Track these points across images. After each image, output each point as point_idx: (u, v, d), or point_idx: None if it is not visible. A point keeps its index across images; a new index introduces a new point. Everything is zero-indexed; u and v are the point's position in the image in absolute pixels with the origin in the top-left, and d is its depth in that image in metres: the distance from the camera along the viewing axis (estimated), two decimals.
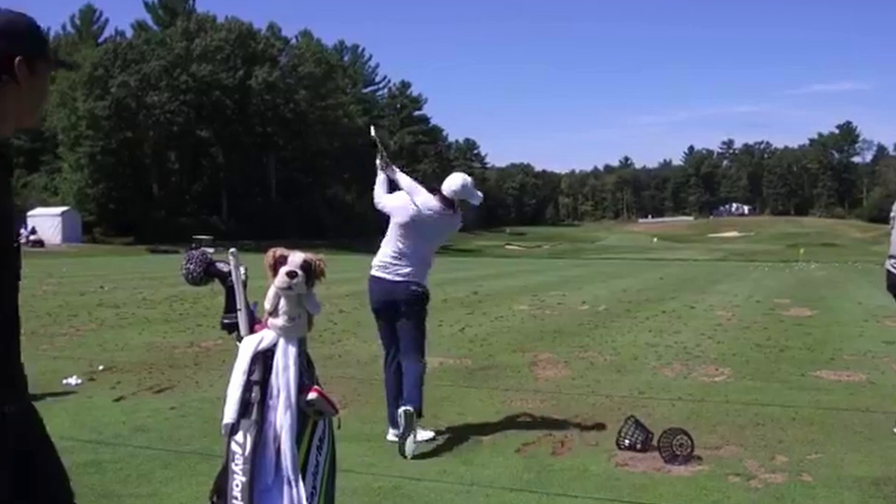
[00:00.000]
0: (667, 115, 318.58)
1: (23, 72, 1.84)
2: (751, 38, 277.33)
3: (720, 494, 4.29)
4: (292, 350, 3.06)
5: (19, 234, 2.06)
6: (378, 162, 5.50)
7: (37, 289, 17.44)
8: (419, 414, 5.13)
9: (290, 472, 2.98)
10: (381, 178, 5.51)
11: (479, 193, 5.51)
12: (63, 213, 56.61)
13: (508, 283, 22.06)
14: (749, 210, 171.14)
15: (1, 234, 1.78)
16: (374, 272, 5.41)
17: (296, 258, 3.08)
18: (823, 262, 40.33)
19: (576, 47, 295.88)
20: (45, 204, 60.85)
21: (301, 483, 2.99)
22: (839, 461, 4.88)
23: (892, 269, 5.67)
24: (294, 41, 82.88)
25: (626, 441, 5.05)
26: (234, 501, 2.95)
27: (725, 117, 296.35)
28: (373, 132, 5.95)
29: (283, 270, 3.04)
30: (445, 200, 5.35)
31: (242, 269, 3.21)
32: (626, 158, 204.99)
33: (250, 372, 3.04)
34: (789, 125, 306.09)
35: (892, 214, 5.83)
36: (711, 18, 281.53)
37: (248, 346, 3.08)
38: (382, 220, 5.57)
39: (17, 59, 1.82)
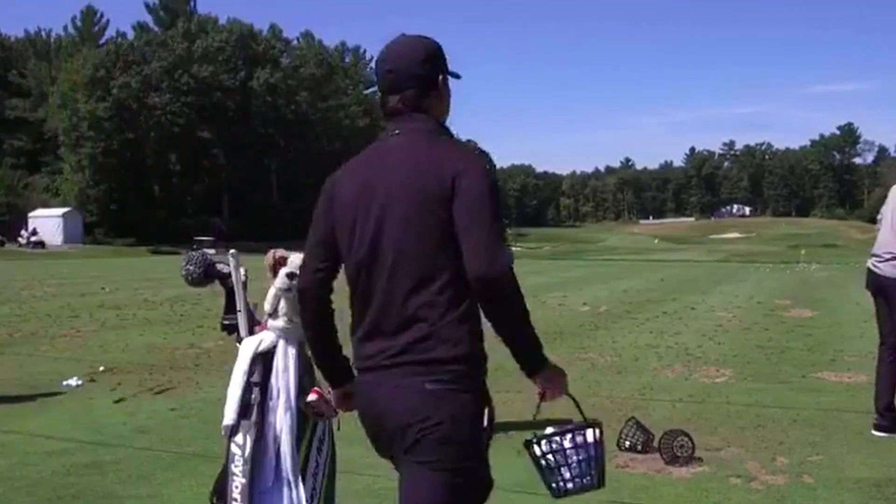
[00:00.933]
0: (668, 116, 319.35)
1: (445, 86, 2.32)
2: (752, 38, 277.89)
3: (721, 496, 4.28)
4: (292, 352, 3.06)
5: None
6: None
7: (38, 289, 17.47)
8: None
9: (291, 474, 2.98)
10: None
11: None
12: (64, 214, 56.66)
13: None
14: (750, 211, 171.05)
15: None
16: None
17: (296, 259, 3.07)
18: (824, 263, 40.27)
19: (576, 48, 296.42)
20: (47, 205, 60.90)
21: (301, 484, 2.99)
22: (840, 463, 4.87)
23: (873, 267, 5.67)
24: (295, 42, 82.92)
25: (627, 442, 5.04)
26: (234, 503, 2.95)
27: (726, 118, 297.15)
28: None
29: (283, 272, 3.04)
30: None
31: (242, 271, 3.21)
32: (628, 159, 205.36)
33: (250, 373, 3.04)
34: (790, 126, 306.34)
35: (878, 217, 5.82)
36: (712, 19, 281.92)
37: (249, 348, 3.08)
38: None
39: (440, 77, 2.30)
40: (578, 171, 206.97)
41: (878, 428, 5.53)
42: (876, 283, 5.67)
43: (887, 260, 5.54)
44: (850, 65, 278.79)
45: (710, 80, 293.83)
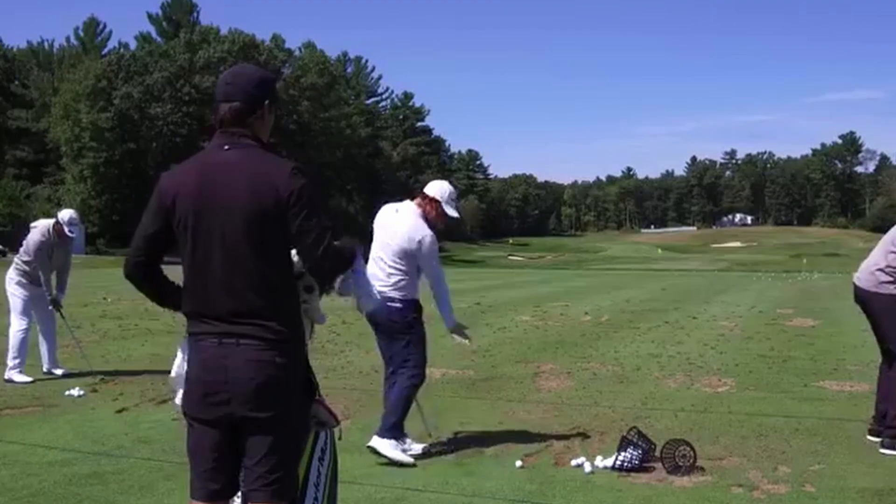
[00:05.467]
0: (670, 126, 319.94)
1: (268, 111, 2.67)
2: (754, 48, 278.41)
3: None
4: None
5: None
6: None
7: None
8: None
9: None
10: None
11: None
12: None
13: (511, 294, 22.05)
14: (752, 220, 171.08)
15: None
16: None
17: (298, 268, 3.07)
18: (827, 272, 40.28)
19: (579, 57, 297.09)
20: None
21: (304, 494, 2.99)
22: (842, 472, 4.86)
23: (856, 280, 5.72)
24: (297, 53, 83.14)
25: (625, 464, 5.01)
26: None
27: (728, 127, 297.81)
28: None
29: None
30: (451, 210, 5.35)
31: None
32: (629, 169, 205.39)
33: None
34: (792, 135, 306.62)
35: None
36: (715, 28, 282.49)
37: None
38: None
39: (266, 102, 2.66)
40: (580, 181, 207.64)
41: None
42: (856, 295, 5.74)
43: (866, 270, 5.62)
44: (853, 75, 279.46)
45: (711, 90, 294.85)
